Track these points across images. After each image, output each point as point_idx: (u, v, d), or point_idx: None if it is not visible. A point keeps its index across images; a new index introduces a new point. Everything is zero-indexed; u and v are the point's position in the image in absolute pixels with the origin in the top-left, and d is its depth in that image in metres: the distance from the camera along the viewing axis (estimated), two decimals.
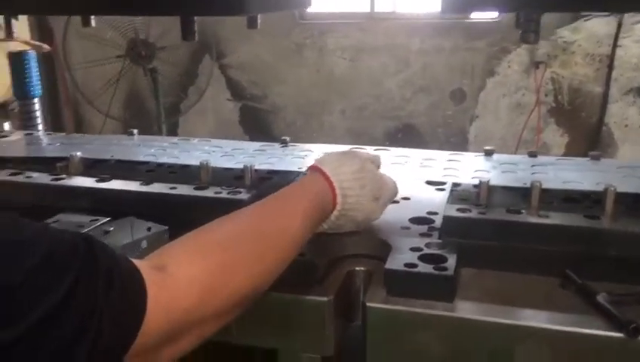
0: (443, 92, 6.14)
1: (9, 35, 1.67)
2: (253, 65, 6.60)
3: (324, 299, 1.21)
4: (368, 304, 1.18)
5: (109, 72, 5.77)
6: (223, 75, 6.66)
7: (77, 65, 5.33)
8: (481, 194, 1.40)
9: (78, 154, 1.65)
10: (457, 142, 6.13)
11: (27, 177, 1.62)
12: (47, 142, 1.88)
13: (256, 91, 6.70)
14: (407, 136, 6.35)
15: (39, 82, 2.09)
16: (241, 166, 1.59)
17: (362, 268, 1.31)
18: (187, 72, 6.54)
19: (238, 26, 6.57)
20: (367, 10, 6.17)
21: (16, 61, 2.06)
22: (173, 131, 6.60)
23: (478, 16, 5.84)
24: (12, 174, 1.64)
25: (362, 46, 6.24)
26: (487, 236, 1.32)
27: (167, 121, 6.10)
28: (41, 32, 5.86)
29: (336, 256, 1.32)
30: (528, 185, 1.41)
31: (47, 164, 1.70)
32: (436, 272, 1.17)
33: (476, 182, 1.44)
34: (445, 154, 1.66)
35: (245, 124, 6.81)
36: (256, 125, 6.72)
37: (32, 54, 2.09)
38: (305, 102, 6.58)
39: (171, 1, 1.32)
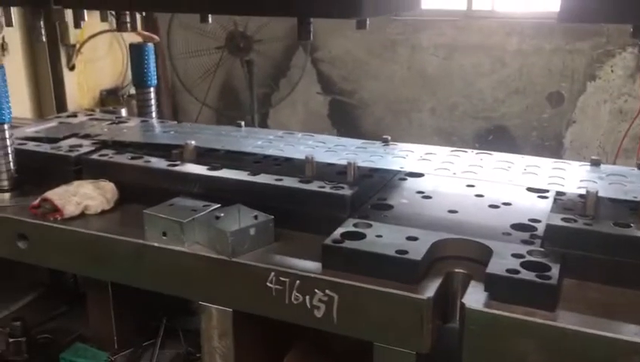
0: (539, 94, 5.93)
1: (123, 26, 1.79)
2: (344, 60, 6.66)
3: (424, 297, 1.24)
4: (468, 306, 1.20)
5: (207, 62, 6.00)
6: (315, 68, 6.76)
7: (178, 55, 5.59)
8: (588, 204, 1.37)
9: (192, 142, 1.76)
10: (552, 146, 5.92)
11: (146, 162, 1.74)
12: (162, 130, 2.01)
13: (347, 86, 6.76)
14: (498, 138, 6.19)
15: (155, 72, 2.24)
16: (343, 162, 1.63)
17: (461, 271, 1.33)
18: (280, 64, 6.69)
19: (331, 21, 6.59)
20: (464, 8, 6.06)
21: (136, 52, 2.21)
22: (263, 121, 6.78)
23: None
24: (132, 158, 1.77)
25: (456, 44, 6.13)
26: (592, 248, 1.30)
27: (259, 111, 6.28)
28: (147, 22, 6.19)
29: (435, 257, 1.34)
30: (638, 198, 1.37)
31: (163, 150, 1.82)
32: (539, 280, 1.17)
33: (582, 192, 1.41)
34: (549, 162, 1.64)
35: (334, 118, 6.89)
36: (345, 119, 6.78)
37: (151, 46, 2.23)
38: (394, 99, 6.56)
39: (290, 3, 1.38)
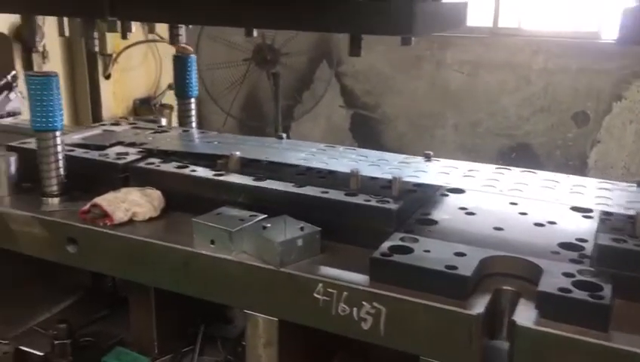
0: (564, 113, 5.92)
1: (176, 38, 1.84)
2: (368, 75, 6.70)
3: (475, 313, 1.25)
4: (520, 323, 1.21)
5: (234, 73, 6.07)
6: (338, 82, 6.81)
7: (206, 66, 5.66)
8: (637, 226, 1.38)
9: (237, 153, 1.79)
10: (576, 166, 5.89)
11: (192, 171, 1.77)
12: (205, 140, 2.05)
13: (370, 100, 6.79)
14: (521, 156, 6.18)
15: (197, 84, 2.28)
16: (387, 176, 1.66)
17: (510, 288, 1.34)
18: (303, 77, 6.75)
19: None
20: (490, 25, 6.08)
21: (180, 63, 2.26)
22: (286, 133, 6.82)
23: (610, 37, 5.59)
24: (178, 167, 1.81)
25: (481, 61, 6.15)
26: None
27: (282, 123, 6.33)
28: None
29: (484, 273, 1.35)
30: None
31: (207, 159, 1.85)
32: (592, 300, 1.18)
33: (631, 212, 1.42)
34: (595, 182, 1.65)
35: (355, 132, 6.92)
36: (367, 133, 6.81)
37: (194, 58, 2.28)
38: (417, 114, 6.58)
39: (345, 21, 1.41)
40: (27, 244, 1.75)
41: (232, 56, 5.78)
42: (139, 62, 5.46)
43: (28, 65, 4.26)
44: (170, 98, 6.28)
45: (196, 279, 1.56)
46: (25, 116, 3.42)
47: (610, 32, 5.60)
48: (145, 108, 5.44)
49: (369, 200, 1.56)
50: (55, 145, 1.77)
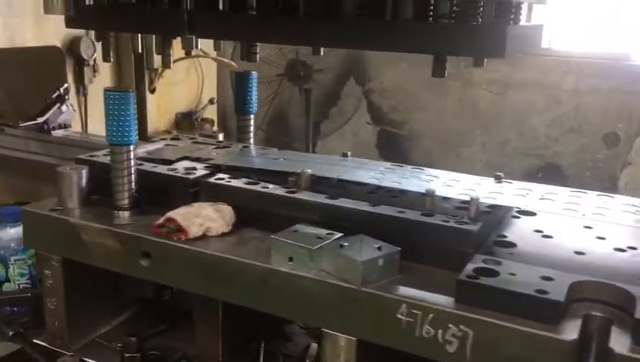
0: (595, 135, 5.90)
1: (253, 56, 1.86)
2: (395, 92, 6.73)
3: (569, 339, 1.25)
4: (618, 351, 1.20)
5: (267, 88, 6.12)
6: (365, 99, 6.84)
7: None
8: None
9: (309, 171, 1.80)
10: (606, 187, 5.85)
11: (263, 187, 1.78)
12: (271, 156, 2.06)
13: (397, 117, 6.81)
14: (548, 176, 6.15)
15: (257, 100, 2.30)
16: (461, 196, 1.66)
17: (599, 314, 1.33)
18: (332, 93, 6.78)
19: (386, 53, 6.75)
20: None
21: (241, 80, 2.29)
22: (313, 148, 6.86)
23: None
24: (249, 183, 1.82)
25: (510, 80, 6.16)
26: None
27: (306, 138, 6.35)
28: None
29: (572, 298, 1.35)
30: None
31: (275, 176, 1.86)
32: None
33: None
34: None
35: (382, 148, 6.93)
36: (393, 150, 6.82)
37: (255, 74, 2.30)
38: (444, 132, 6.59)
39: (434, 41, 1.42)
40: (99, 257, 1.77)
41: (266, 72, 5.82)
42: (182, 77, 5.55)
43: (79, 78, 4.36)
44: (210, 112, 6.41)
45: (274, 296, 1.56)
46: (75, 128, 3.48)
47: None
48: (186, 123, 5.56)
49: (447, 221, 1.56)
50: (129, 159, 1.79)
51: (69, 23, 1.81)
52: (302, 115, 6.22)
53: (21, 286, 2.18)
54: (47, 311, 1.89)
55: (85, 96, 4.69)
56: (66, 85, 3.27)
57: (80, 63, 4.56)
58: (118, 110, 1.73)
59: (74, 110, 3.36)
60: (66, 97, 3.15)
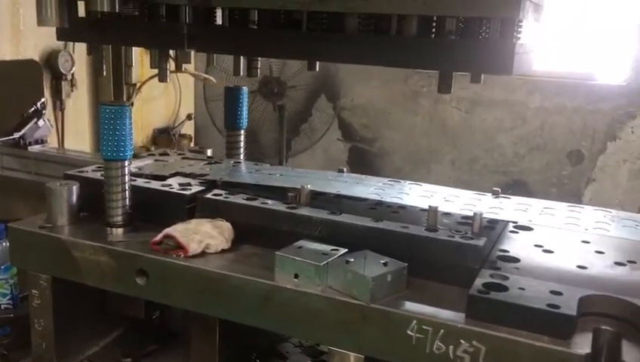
0: (560, 152, 6.07)
1: (254, 71, 1.85)
2: (366, 109, 6.79)
3: (583, 353, 1.26)
4: None
5: None
6: (337, 116, 6.88)
7: (213, 96, 5.67)
8: None
9: (308, 186, 1.78)
10: (571, 203, 6.01)
11: (262, 203, 1.76)
12: (265, 172, 2.04)
13: (367, 134, 6.87)
14: (515, 192, 6.21)
15: (247, 116, 2.28)
16: (462, 212, 1.67)
17: (609, 328, 1.34)
18: (303, 110, 6.79)
19: (355, 70, 6.88)
20: None
21: (231, 95, 2.26)
22: (281, 163, 6.83)
23: (604, 79, 5.79)
24: (248, 199, 1.79)
25: (478, 99, 6.29)
26: None
27: (280, 154, 6.33)
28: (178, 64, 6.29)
29: (584, 312, 1.36)
30: None
31: (273, 192, 1.84)
32: None
33: None
34: None
35: (352, 165, 6.95)
36: (364, 167, 6.85)
37: (245, 90, 2.28)
38: (415, 149, 6.67)
39: (442, 57, 1.44)
40: (92, 275, 1.71)
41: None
42: (159, 93, 5.46)
43: (57, 92, 4.24)
44: (188, 128, 6.34)
45: (278, 314, 1.53)
46: (52, 143, 3.37)
47: (604, 74, 5.80)
48: (164, 138, 5.48)
49: (452, 236, 1.57)
50: (123, 175, 1.74)
51: (62, 35, 1.76)
52: (273, 131, 6.20)
53: (2, 306, 2.09)
54: (33, 332, 1.81)
55: (62, 110, 4.59)
56: (43, 100, 3.18)
57: (57, 78, 4.45)
58: (113, 124, 1.68)
59: (51, 125, 3.26)
60: (43, 112, 3.06)
